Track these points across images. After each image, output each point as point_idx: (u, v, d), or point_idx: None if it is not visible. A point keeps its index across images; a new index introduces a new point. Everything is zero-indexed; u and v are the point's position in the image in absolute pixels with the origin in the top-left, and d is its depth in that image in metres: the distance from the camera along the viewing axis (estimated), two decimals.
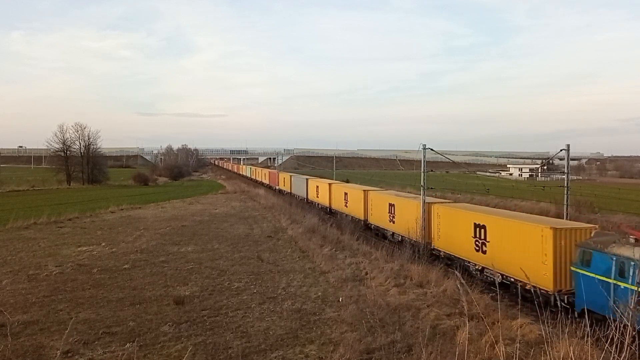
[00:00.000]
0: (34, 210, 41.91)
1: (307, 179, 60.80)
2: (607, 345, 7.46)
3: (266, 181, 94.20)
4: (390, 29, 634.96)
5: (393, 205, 32.80)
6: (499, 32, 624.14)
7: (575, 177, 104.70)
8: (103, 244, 28.16)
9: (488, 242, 21.79)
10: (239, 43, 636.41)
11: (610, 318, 10.42)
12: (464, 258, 23.49)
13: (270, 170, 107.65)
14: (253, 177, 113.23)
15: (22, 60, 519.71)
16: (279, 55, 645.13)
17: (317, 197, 53.78)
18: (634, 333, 7.43)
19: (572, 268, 16.39)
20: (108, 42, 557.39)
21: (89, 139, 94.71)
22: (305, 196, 59.45)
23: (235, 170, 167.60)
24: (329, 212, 47.55)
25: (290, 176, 72.77)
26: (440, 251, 25.86)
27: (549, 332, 9.53)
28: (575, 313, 15.44)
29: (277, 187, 79.52)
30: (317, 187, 54.65)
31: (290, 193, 68.00)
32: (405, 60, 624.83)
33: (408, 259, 22.77)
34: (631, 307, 9.70)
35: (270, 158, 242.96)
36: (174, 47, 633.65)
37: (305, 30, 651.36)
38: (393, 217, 32.66)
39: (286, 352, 12.30)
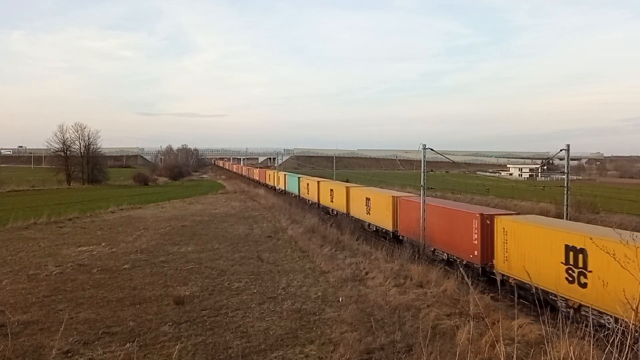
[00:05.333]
0: (34, 210, 41.90)
1: None
2: (608, 346, 7.45)
3: (375, 220, 36.07)
4: (392, 28, 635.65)
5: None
6: (500, 32, 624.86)
7: (575, 177, 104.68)
8: (103, 244, 28.16)
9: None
10: (240, 43, 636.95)
11: None
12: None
13: (373, 191, 40.16)
14: (304, 195, 58.19)
15: (23, 60, 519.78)
16: (280, 55, 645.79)
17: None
18: (636, 334, 7.42)
19: None
20: (109, 42, 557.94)
21: (89, 138, 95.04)
22: None
23: (254, 177, 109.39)
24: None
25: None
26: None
27: (549, 332, 9.52)
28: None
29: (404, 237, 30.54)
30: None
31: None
32: (406, 60, 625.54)
33: (408, 259, 22.79)
34: None
35: (270, 158, 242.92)
36: (175, 47, 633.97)
37: (307, 29, 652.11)
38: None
39: (286, 352, 12.30)
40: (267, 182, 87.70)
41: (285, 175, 74.66)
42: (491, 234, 20.91)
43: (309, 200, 55.48)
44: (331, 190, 48.12)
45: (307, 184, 57.97)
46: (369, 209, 36.91)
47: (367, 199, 37.42)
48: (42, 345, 12.42)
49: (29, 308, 15.74)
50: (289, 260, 24.13)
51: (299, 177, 64.37)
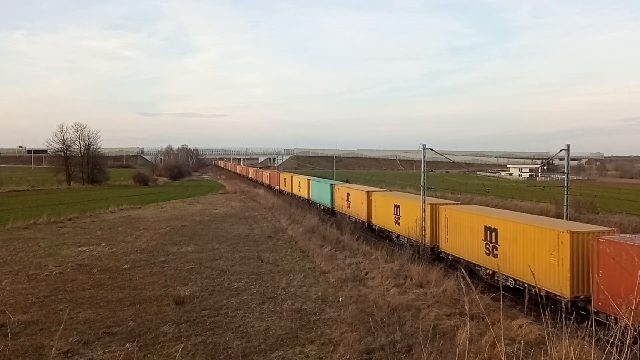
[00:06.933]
0: (34, 210, 41.87)
1: None
2: (608, 347, 7.45)
3: None
4: (393, 28, 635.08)
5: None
6: (501, 32, 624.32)
7: (575, 177, 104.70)
8: (103, 244, 28.16)
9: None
10: (241, 43, 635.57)
11: None
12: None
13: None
14: (342, 209, 43.55)
15: (23, 59, 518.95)
16: (280, 55, 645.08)
17: None
18: (635, 333, 7.42)
19: None
20: (110, 42, 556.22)
21: (89, 139, 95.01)
22: None
23: (263, 181, 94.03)
24: None
25: None
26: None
27: (549, 332, 9.52)
28: None
29: None
30: None
31: None
32: (407, 60, 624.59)
33: (408, 259, 22.79)
34: None
35: (270, 158, 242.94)
36: (176, 47, 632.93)
37: (308, 29, 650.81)
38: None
39: (286, 352, 12.30)
40: (282, 187, 72.63)
41: (308, 180, 57.45)
42: None
43: (351, 217, 39.99)
44: (396, 206, 31.91)
45: (348, 194, 42.23)
46: (492, 247, 21.17)
47: (491, 230, 21.12)
48: (42, 345, 12.42)
49: (29, 308, 15.74)
50: (289, 260, 24.13)
51: (331, 185, 48.62)
